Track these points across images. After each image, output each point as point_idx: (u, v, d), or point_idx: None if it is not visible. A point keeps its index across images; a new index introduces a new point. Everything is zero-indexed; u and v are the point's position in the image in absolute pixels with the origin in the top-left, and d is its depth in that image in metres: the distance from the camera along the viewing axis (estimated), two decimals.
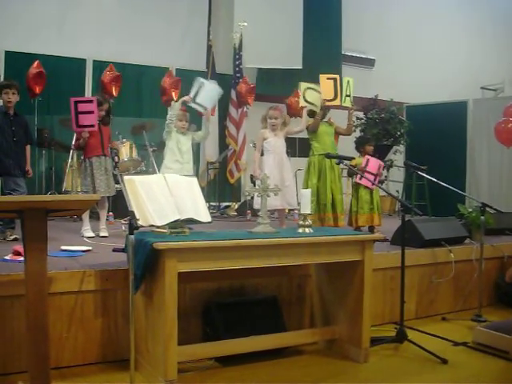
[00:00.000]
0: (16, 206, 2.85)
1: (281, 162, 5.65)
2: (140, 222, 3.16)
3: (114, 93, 7.86)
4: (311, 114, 5.86)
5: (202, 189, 4.06)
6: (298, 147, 9.03)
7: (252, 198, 6.45)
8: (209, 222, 3.64)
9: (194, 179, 3.86)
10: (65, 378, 3.31)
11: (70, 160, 7.71)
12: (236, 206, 9.01)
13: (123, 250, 3.71)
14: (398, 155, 9.86)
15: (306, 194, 3.85)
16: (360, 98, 8.66)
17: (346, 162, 4.84)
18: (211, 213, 5.59)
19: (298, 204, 4.88)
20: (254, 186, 6.66)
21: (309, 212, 3.80)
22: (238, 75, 9.48)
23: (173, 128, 5.87)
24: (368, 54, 11.71)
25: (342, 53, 11.00)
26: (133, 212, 3.12)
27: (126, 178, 3.49)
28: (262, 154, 5.76)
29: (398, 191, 9.50)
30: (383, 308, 4.60)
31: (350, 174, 6.30)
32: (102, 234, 5.59)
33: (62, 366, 3.43)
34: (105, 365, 3.54)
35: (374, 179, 5.82)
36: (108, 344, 3.59)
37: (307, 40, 10.25)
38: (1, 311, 3.30)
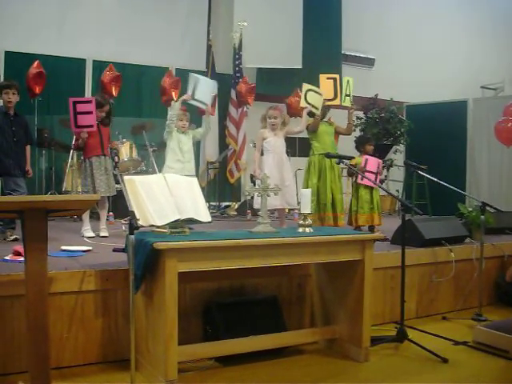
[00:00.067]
0: (16, 207, 2.85)
1: (280, 162, 5.65)
2: (140, 222, 3.16)
3: (114, 93, 7.86)
4: (311, 113, 5.86)
5: (202, 189, 4.07)
6: (298, 147, 9.02)
7: (252, 197, 6.45)
8: (209, 222, 3.64)
9: (194, 179, 3.86)
10: (65, 378, 3.31)
11: (70, 160, 7.72)
12: (236, 206, 9.01)
13: (123, 250, 3.71)
14: (398, 155, 9.87)
15: (306, 194, 3.85)
16: (360, 97, 8.68)
17: (346, 161, 4.84)
18: (211, 213, 5.61)
19: (298, 204, 4.88)
20: (254, 185, 6.67)
21: (309, 212, 3.80)
22: (238, 75, 9.49)
23: (173, 128, 5.88)
24: (368, 53, 11.72)
25: (342, 52, 11.01)
26: (133, 212, 3.12)
27: (126, 178, 3.49)
28: (262, 154, 5.76)
29: (398, 191, 9.50)
30: (383, 307, 4.60)
31: (350, 174, 6.30)
32: (102, 234, 5.59)
33: (63, 366, 3.43)
34: (105, 365, 3.54)
35: (376, 178, 5.83)
36: (108, 344, 3.59)
37: (307, 40, 10.25)
38: (1, 311, 3.30)
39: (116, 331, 3.61)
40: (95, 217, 6.15)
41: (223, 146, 9.60)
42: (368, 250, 3.75)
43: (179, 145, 5.92)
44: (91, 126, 5.43)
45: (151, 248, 3.11)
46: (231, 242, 3.34)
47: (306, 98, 5.76)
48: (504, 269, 5.43)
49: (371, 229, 5.92)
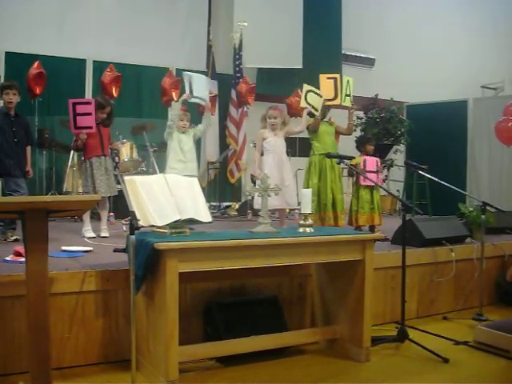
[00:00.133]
0: (17, 207, 2.85)
1: (280, 162, 5.65)
2: (141, 223, 3.16)
3: (114, 93, 7.86)
4: (311, 114, 5.87)
5: (203, 189, 4.07)
6: (298, 147, 9.03)
7: (252, 197, 6.45)
8: (209, 222, 3.64)
9: (195, 179, 3.86)
10: (66, 378, 3.32)
11: (70, 160, 7.73)
12: (237, 206, 9.01)
13: (124, 251, 3.71)
14: (398, 154, 9.87)
15: (307, 194, 3.85)
16: (360, 97, 8.68)
17: (346, 161, 4.84)
18: (212, 213, 5.61)
19: (299, 204, 4.88)
20: (255, 185, 6.67)
21: (309, 212, 3.80)
22: (238, 75, 9.49)
23: (174, 129, 5.89)
24: (368, 53, 11.72)
25: (342, 52, 11.01)
26: (133, 212, 3.12)
27: (126, 178, 3.49)
28: (262, 154, 5.76)
29: (398, 190, 9.50)
30: (384, 307, 4.60)
31: (351, 174, 6.31)
32: (102, 235, 5.59)
33: (64, 367, 3.43)
34: (106, 365, 3.54)
35: (377, 176, 5.83)
36: (109, 344, 3.59)
37: (307, 40, 10.25)
38: (2, 312, 3.30)
39: (117, 331, 3.61)
40: (96, 217, 6.16)
41: (224, 146, 9.60)
42: (368, 250, 3.75)
43: (180, 145, 5.94)
44: (90, 128, 5.43)
45: (152, 248, 3.12)
46: (232, 242, 3.34)
47: (306, 99, 5.76)
48: (505, 268, 5.43)
49: (372, 229, 5.92)
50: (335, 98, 5.85)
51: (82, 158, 5.76)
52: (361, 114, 9.83)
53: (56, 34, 8.65)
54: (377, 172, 5.95)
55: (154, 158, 6.90)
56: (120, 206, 6.92)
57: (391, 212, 9.65)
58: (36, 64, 7.60)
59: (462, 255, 5.08)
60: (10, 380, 3.20)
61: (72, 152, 7.54)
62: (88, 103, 5.52)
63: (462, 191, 5.38)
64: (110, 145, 5.79)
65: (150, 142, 7.18)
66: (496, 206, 4.85)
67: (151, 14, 9.47)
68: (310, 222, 3.75)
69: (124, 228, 6.08)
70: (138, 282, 3.22)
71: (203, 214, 3.60)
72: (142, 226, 3.22)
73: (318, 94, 5.77)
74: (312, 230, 3.72)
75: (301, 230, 3.72)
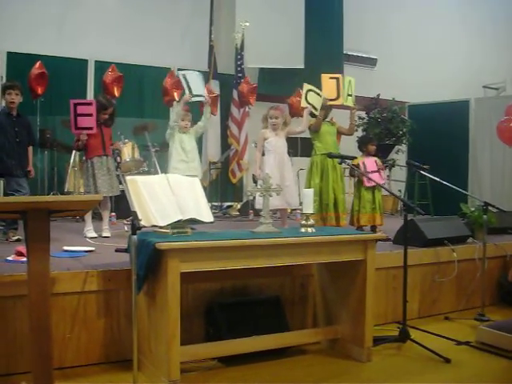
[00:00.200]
0: (19, 207, 2.85)
1: (281, 162, 5.65)
2: (142, 223, 3.16)
3: (116, 93, 7.87)
4: (313, 113, 5.87)
5: (204, 189, 4.07)
6: (300, 147, 9.02)
7: (254, 198, 6.46)
8: (211, 222, 3.64)
9: (196, 179, 3.87)
10: (68, 378, 3.32)
11: (72, 160, 7.73)
12: (238, 206, 9.01)
13: (126, 251, 3.71)
14: (400, 154, 9.86)
15: (309, 194, 3.85)
16: (362, 97, 8.66)
17: (348, 161, 4.84)
18: (213, 213, 5.61)
19: (300, 204, 4.88)
20: (256, 185, 6.67)
21: (311, 212, 3.79)
22: (240, 75, 9.49)
23: (176, 129, 5.90)
24: (370, 53, 11.70)
25: (344, 52, 11.01)
26: (135, 212, 3.12)
27: (128, 178, 3.49)
28: (264, 154, 5.77)
29: (400, 191, 9.50)
30: (386, 307, 4.60)
31: (353, 174, 6.30)
32: (104, 235, 5.59)
33: (65, 367, 3.43)
34: (108, 365, 3.54)
35: (380, 174, 5.83)
36: (111, 344, 3.59)
37: (309, 40, 10.25)
38: (4, 312, 3.30)
39: (118, 331, 3.61)
40: (97, 217, 6.16)
41: (225, 146, 9.60)
42: (370, 250, 3.75)
43: (182, 145, 5.95)
44: (91, 129, 5.44)
45: (153, 248, 3.12)
46: (233, 242, 3.34)
47: (306, 98, 5.77)
48: (506, 269, 5.42)
49: (373, 229, 5.92)
50: (337, 97, 5.85)
51: (84, 158, 5.77)
52: (363, 114, 9.81)
53: (58, 34, 8.65)
54: (378, 171, 5.95)
55: (155, 157, 6.90)
56: (122, 206, 6.92)
57: (393, 212, 9.65)
58: (38, 64, 7.61)
59: (464, 255, 5.08)
60: (12, 380, 3.20)
61: (74, 152, 7.54)
62: (89, 104, 5.53)
63: (464, 191, 5.38)
64: (111, 145, 5.80)
65: (151, 142, 7.19)
66: (498, 206, 4.85)
67: (153, 14, 9.48)
68: (311, 222, 3.75)
69: (126, 228, 6.08)
70: (140, 282, 3.21)
71: (205, 214, 3.60)
72: (144, 226, 3.22)
73: (317, 94, 5.77)
74: (314, 230, 3.72)
75: (302, 229, 3.72)
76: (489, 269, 5.04)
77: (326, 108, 5.86)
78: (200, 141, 8.60)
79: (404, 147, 9.88)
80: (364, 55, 11.66)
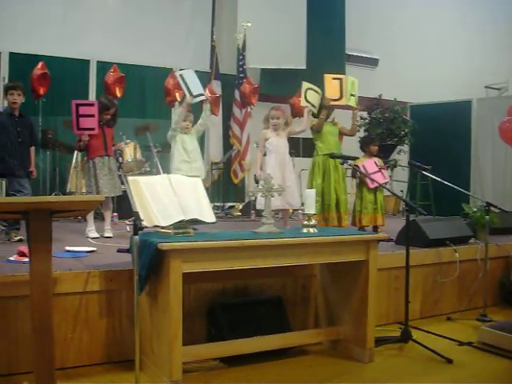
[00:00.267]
0: (21, 207, 2.86)
1: (283, 162, 5.65)
2: (144, 223, 3.16)
3: (118, 94, 7.88)
4: (315, 114, 5.87)
5: (206, 189, 4.07)
6: (302, 147, 9.02)
7: (256, 198, 6.47)
8: (213, 223, 3.63)
9: (198, 180, 3.86)
10: (70, 378, 3.32)
11: (73, 161, 7.74)
12: (240, 207, 9.02)
13: (128, 251, 3.72)
14: (402, 155, 9.85)
15: (311, 194, 3.85)
16: (364, 97, 8.66)
17: (350, 162, 4.84)
18: (215, 213, 5.60)
19: (302, 204, 4.87)
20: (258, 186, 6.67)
21: (313, 212, 3.79)
22: (242, 75, 9.51)
23: (178, 131, 5.90)
24: (372, 53, 11.70)
25: (346, 52, 11.00)
26: (137, 213, 3.12)
27: (130, 178, 3.49)
28: (265, 155, 5.77)
29: (402, 191, 9.50)
30: (388, 308, 4.59)
31: (354, 175, 6.29)
32: (106, 235, 5.59)
33: (67, 367, 3.43)
34: (110, 365, 3.54)
35: (382, 174, 5.82)
36: (113, 344, 3.60)
37: (311, 40, 10.25)
38: (6, 312, 3.30)
39: (120, 332, 3.61)
40: (99, 217, 6.17)
41: (227, 146, 9.61)
42: (372, 251, 3.75)
43: (183, 145, 5.96)
44: (93, 129, 5.45)
45: (155, 249, 3.12)
46: (235, 242, 3.34)
47: (305, 97, 5.77)
48: (509, 269, 5.42)
49: (375, 229, 5.91)
50: (340, 98, 5.84)
51: (86, 159, 5.78)
52: (364, 114, 9.80)
53: (60, 34, 8.66)
54: (380, 170, 5.93)
55: (157, 158, 6.92)
56: (124, 206, 6.93)
57: (395, 212, 9.65)
58: (40, 65, 7.62)
59: (466, 256, 5.07)
60: (15, 380, 3.20)
61: (75, 152, 7.55)
62: (91, 105, 5.54)
63: (466, 192, 5.37)
64: (113, 145, 5.80)
65: (153, 142, 7.20)
66: (500, 207, 4.85)
67: (155, 14, 9.48)
68: (313, 222, 3.75)
69: (128, 228, 6.09)
70: (142, 283, 3.22)
71: (207, 214, 3.60)
72: (146, 227, 3.21)
73: (315, 91, 5.78)
74: (316, 231, 3.72)
75: (304, 230, 3.72)
76: (491, 269, 5.04)
77: (329, 108, 5.85)
78: (202, 141, 8.61)
79: (406, 147, 9.87)
80: (366, 55, 11.66)
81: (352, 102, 5.93)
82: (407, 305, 4.07)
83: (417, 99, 10.23)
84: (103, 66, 8.71)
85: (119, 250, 4.41)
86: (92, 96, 8.70)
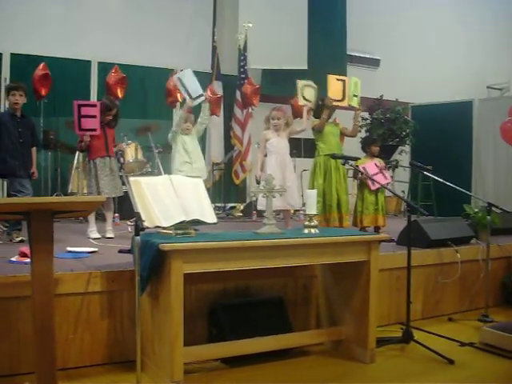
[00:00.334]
0: (22, 208, 2.86)
1: (283, 163, 5.65)
2: (146, 224, 3.16)
3: (120, 94, 7.88)
4: (317, 114, 5.88)
5: (208, 190, 4.07)
6: (303, 148, 9.02)
7: (257, 198, 6.48)
8: (214, 223, 3.64)
9: (200, 180, 3.86)
10: (71, 378, 3.32)
11: (75, 161, 7.75)
12: (241, 207, 9.02)
13: (129, 252, 3.72)
14: (403, 155, 9.84)
15: (312, 195, 3.85)
16: (365, 98, 8.65)
17: (351, 162, 4.84)
18: (217, 214, 5.60)
19: (303, 205, 4.87)
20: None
21: (315, 213, 3.79)
22: (243, 76, 9.50)
23: (179, 132, 5.91)
24: (373, 54, 11.70)
25: (347, 53, 10.99)
26: (139, 213, 3.13)
27: (131, 179, 3.49)
28: (266, 155, 5.77)
29: (403, 191, 9.49)
30: (389, 308, 4.59)
31: (355, 176, 6.28)
32: (107, 236, 5.60)
33: (69, 367, 3.44)
34: (111, 366, 3.55)
35: (383, 175, 5.82)
36: (114, 345, 3.60)
37: (312, 40, 10.24)
38: (7, 312, 3.31)
39: (122, 332, 3.62)
40: (101, 218, 6.17)
41: (228, 147, 9.61)
42: (374, 251, 3.75)
43: (184, 146, 5.96)
44: (94, 130, 5.45)
45: (157, 249, 3.12)
46: (237, 243, 3.34)
47: (303, 95, 5.78)
48: (510, 269, 5.42)
49: (376, 230, 5.91)
50: (343, 99, 5.84)
51: (87, 159, 5.78)
52: (366, 114, 9.80)
53: (61, 35, 8.65)
54: (381, 171, 5.92)
55: (158, 158, 6.91)
56: (125, 206, 6.93)
57: (396, 213, 9.64)
58: (41, 65, 7.63)
59: (468, 256, 5.07)
60: (16, 380, 3.21)
61: (77, 153, 7.56)
62: (93, 106, 5.54)
63: (467, 192, 5.37)
64: (114, 146, 5.80)
65: (154, 142, 7.20)
66: (501, 207, 4.84)
67: (156, 15, 9.48)
68: (315, 222, 3.74)
69: (129, 229, 6.10)
70: (143, 283, 3.22)
71: (208, 214, 3.60)
72: (147, 227, 3.22)
73: (311, 86, 5.79)
74: (317, 231, 3.72)
75: (306, 230, 3.72)
76: (492, 270, 5.04)
77: (330, 108, 5.84)
78: (203, 142, 8.62)
79: (407, 148, 9.86)
80: (367, 56, 11.65)
81: (355, 102, 5.94)
82: (408, 305, 4.07)
83: (418, 99, 10.22)
84: (104, 67, 8.71)
85: (120, 251, 4.42)
86: (93, 97, 8.70)
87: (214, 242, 3.30)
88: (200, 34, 10.04)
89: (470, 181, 9.23)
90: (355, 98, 5.91)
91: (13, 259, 3.87)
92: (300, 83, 5.82)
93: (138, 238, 3.00)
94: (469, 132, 9.40)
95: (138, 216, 3.08)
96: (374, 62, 11.75)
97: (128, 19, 9.26)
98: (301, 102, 5.85)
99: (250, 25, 9.41)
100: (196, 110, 6.08)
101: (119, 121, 5.91)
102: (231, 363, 3.60)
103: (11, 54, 8.29)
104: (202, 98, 5.92)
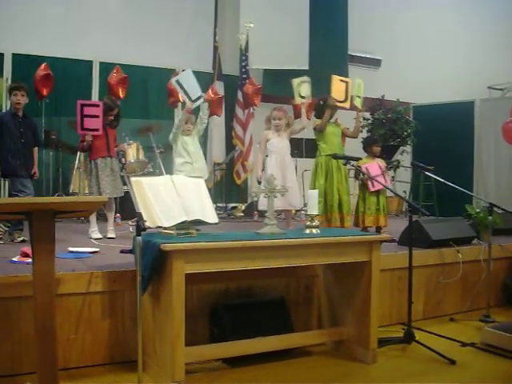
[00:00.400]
0: (24, 208, 2.86)
1: (283, 163, 5.65)
2: (147, 224, 3.16)
3: (121, 95, 7.86)
4: (318, 114, 5.88)
5: (209, 190, 4.07)
6: (304, 148, 9.02)
7: (258, 199, 6.48)
8: (216, 223, 3.64)
9: (201, 180, 3.86)
10: (73, 378, 3.32)
11: (76, 162, 7.75)
12: (243, 207, 9.01)
13: (131, 252, 3.72)
14: (405, 155, 9.84)
15: (314, 195, 3.84)
16: (366, 98, 8.65)
17: (353, 162, 4.83)
18: (218, 214, 5.61)
19: (304, 205, 4.87)
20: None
21: (316, 213, 3.79)
22: (245, 76, 9.50)
23: (179, 133, 5.91)
24: (374, 54, 11.70)
25: (349, 53, 10.99)
26: (140, 213, 3.13)
27: (133, 179, 3.49)
28: (267, 155, 5.77)
29: (405, 192, 9.47)
30: (391, 309, 4.59)
31: (357, 177, 6.27)
32: (109, 236, 5.60)
33: (70, 367, 3.44)
34: (112, 366, 3.55)
35: (384, 178, 5.82)
36: (116, 345, 3.60)
37: (313, 41, 10.23)
38: (9, 312, 3.31)
39: (123, 332, 3.62)
40: (102, 218, 6.17)
41: (230, 147, 9.61)
42: (375, 251, 3.75)
43: (185, 146, 5.95)
44: (97, 130, 5.46)
45: (158, 249, 3.12)
46: (238, 243, 3.34)
47: (299, 94, 5.79)
48: None
49: (378, 230, 5.90)
50: (345, 100, 5.84)
51: (88, 159, 5.79)
52: (367, 114, 9.79)
53: (63, 35, 8.66)
54: (382, 174, 5.91)
55: (160, 159, 6.91)
56: (126, 207, 6.94)
57: (398, 213, 9.63)
58: (43, 66, 7.62)
59: (469, 256, 5.07)
60: (17, 380, 3.21)
61: (78, 153, 7.56)
62: (96, 106, 5.55)
63: (469, 192, 5.37)
64: (116, 146, 5.80)
65: (156, 143, 7.19)
66: (503, 207, 4.84)
67: (157, 15, 9.49)
68: (316, 223, 3.74)
69: (130, 229, 6.10)
70: (145, 283, 3.22)
71: (210, 215, 3.61)
72: (149, 227, 3.22)
73: (306, 82, 5.81)
74: (318, 231, 3.71)
75: (307, 231, 3.72)
76: (494, 270, 5.03)
77: (332, 108, 5.84)
78: (205, 142, 8.62)
79: (409, 148, 9.85)
80: (368, 56, 11.65)
81: (357, 102, 5.94)
82: (410, 305, 4.06)
83: (419, 100, 10.23)
84: (106, 67, 8.72)
85: (122, 251, 4.42)
86: (95, 97, 8.70)
87: (216, 242, 3.30)
88: (201, 33, 10.04)
89: (472, 181, 9.23)
90: (358, 98, 5.91)
91: (14, 259, 3.88)
92: (295, 81, 5.83)
93: (140, 238, 3.01)
94: (470, 132, 9.40)
95: (139, 216, 3.08)
96: (376, 62, 11.75)
97: (128, 19, 9.27)
98: (297, 100, 5.85)
99: (252, 25, 9.41)
100: (196, 111, 6.08)
101: (121, 121, 5.92)
102: (233, 363, 3.60)
103: (12, 54, 8.29)
104: (202, 100, 5.92)
